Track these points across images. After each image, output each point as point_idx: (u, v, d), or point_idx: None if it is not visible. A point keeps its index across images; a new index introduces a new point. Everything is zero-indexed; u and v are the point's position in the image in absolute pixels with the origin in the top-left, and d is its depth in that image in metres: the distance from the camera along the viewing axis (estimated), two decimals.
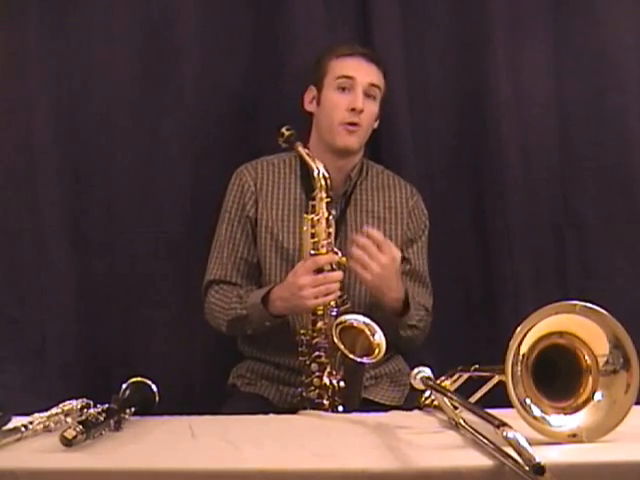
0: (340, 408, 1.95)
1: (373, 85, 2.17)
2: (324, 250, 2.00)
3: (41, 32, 2.44)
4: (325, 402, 1.97)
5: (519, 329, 1.39)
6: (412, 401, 1.98)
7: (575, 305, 1.41)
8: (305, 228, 2.03)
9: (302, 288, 1.96)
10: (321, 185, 2.02)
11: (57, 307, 2.42)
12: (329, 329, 1.96)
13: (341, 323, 1.92)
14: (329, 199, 2.03)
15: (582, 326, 1.41)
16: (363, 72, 2.16)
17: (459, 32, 2.53)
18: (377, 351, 1.88)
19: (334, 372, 1.98)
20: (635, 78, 2.49)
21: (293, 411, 1.90)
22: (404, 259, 2.19)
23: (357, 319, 1.92)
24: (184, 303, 2.42)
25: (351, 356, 1.87)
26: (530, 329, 1.39)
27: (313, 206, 2.03)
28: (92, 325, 2.45)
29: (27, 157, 2.44)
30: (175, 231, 2.47)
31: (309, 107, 2.24)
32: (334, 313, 2.00)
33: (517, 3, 2.52)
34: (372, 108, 2.18)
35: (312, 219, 2.02)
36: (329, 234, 2.02)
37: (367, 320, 1.92)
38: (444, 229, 2.48)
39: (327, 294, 1.97)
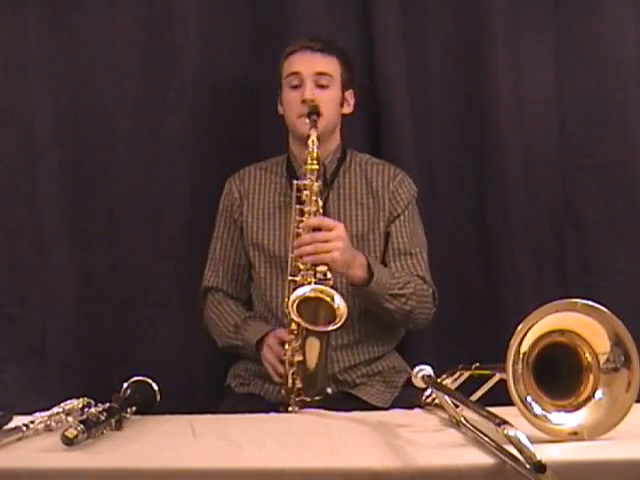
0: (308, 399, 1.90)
1: (321, 74, 2.18)
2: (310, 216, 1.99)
3: (41, 31, 2.45)
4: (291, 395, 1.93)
5: (520, 327, 1.39)
6: (398, 404, 1.99)
7: (576, 303, 1.41)
8: (292, 193, 2.04)
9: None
10: (312, 155, 2.01)
11: (57, 307, 2.43)
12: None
13: (296, 299, 1.88)
14: (317, 167, 2.02)
15: (583, 324, 1.41)
16: (307, 64, 2.18)
17: (460, 30, 2.53)
18: (339, 317, 1.84)
19: (293, 355, 1.92)
20: (635, 75, 2.48)
21: (283, 404, 1.93)
22: (388, 235, 2.21)
23: (308, 289, 1.89)
24: (185, 302, 2.42)
25: (309, 326, 1.84)
26: (531, 327, 1.39)
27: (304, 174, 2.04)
28: (92, 324, 2.45)
29: (27, 157, 2.44)
30: (176, 230, 2.47)
31: (280, 110, 2.27)
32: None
33: (517, 1, 2.51)
34: (327, 95, 2.18)
35: (303, 185, 2.02)
36: (317, 202, 2.01)
37: (318, 286, 1.89)
38: (444, 227, 2.49)
39: None
